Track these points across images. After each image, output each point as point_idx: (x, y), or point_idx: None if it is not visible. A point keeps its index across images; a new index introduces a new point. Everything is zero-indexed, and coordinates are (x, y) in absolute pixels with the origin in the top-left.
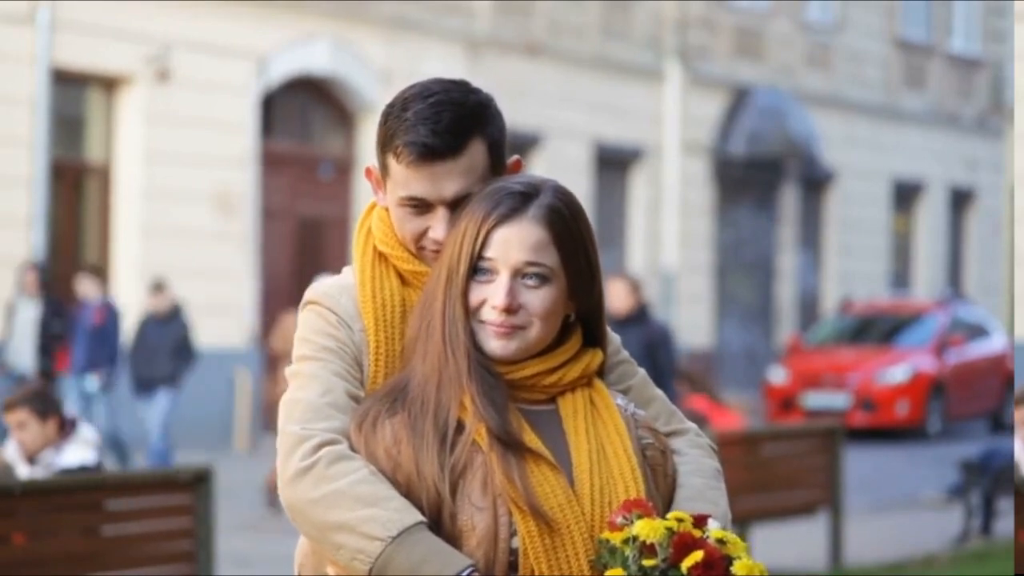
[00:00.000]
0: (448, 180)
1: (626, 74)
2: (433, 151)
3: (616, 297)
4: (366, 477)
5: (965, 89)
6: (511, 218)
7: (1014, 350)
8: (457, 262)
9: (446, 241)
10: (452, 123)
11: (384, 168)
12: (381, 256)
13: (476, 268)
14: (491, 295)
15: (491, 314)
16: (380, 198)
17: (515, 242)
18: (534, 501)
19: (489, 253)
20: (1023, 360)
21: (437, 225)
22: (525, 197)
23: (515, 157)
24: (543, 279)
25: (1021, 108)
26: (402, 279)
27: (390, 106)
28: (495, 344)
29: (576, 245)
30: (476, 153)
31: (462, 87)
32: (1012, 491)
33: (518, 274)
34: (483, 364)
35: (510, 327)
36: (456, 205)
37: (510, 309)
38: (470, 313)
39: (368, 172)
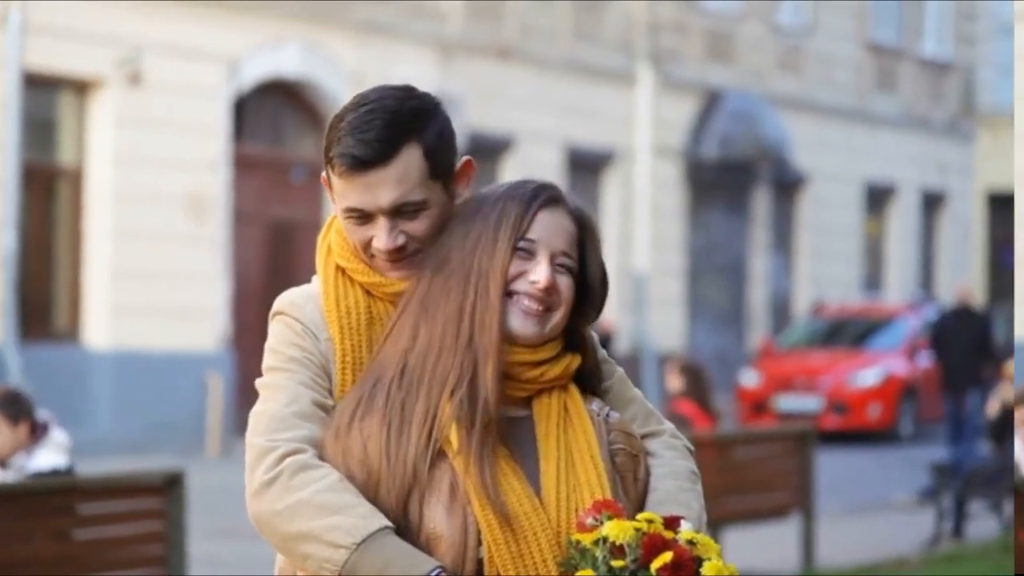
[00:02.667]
0: (382, 189)
1: (598, 77)
2: (361, 161)
3: None
4: (330, 485)
5: (936, 92)
6: (554, 204)
7: (1015, 351)
8: (496, 233)
9: (477, 213)
10: (381, 131)
11: (328, 179)
12: (343, 268)
13: (517, 245)
14: (533, 271)
15: (528, 287)
16: (335, 206)
17: (559, 229)
18: (500, 509)
19: (533, 234)
20: (1023, 360)
21: (380, 234)
22: (556, 191)
23: (466, 158)
24: (569, 270)
25: (1021, 109)
26: (366, 290)
27: (334, 116)
28: (523, 322)
29: (592, 253)
30: (410, 160)
31: (402, 93)
32: (983, 494)
33: (554, 259)
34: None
35: (547, 306)
36: (396, 213)
37: (551, 289)
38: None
39: (325, 180)
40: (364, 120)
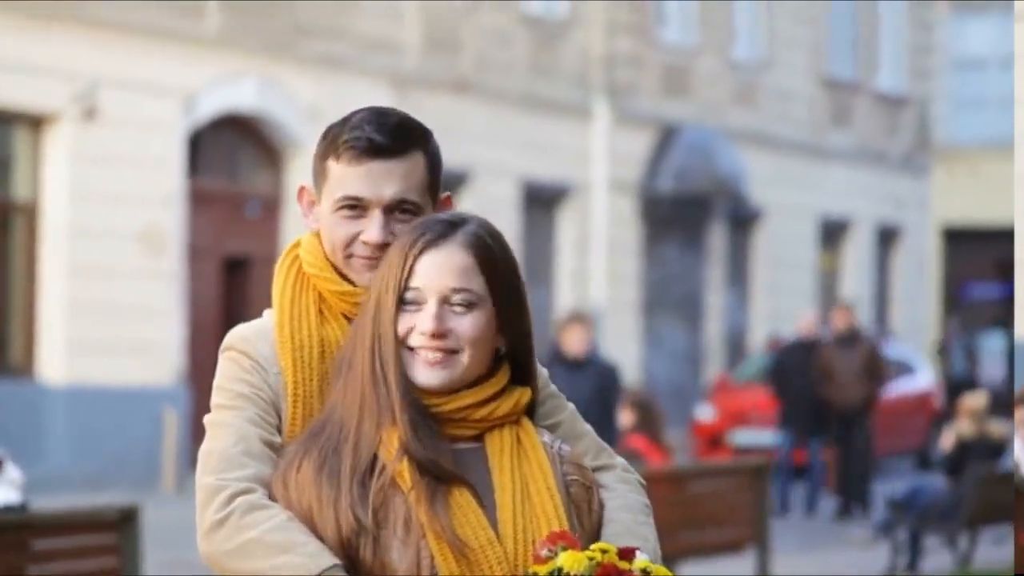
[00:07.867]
0: (388, 180)
1: (554, 111)
2: (377, 147)
3: (577, 340)
4: (280, 524)
5: (891, 127)
6: (436, 244)
7: (1015, 351)
8: (384, 292)
9: (374, 276)
10: (398, 126)
11: (323, 176)
12: (300, 294)
13: (404, 298)
14: (419, 322)
15: (419, 339)
16: (310, 222)
17: (442, 268)
18: (454, 542)
19: (415, 282)
20: (1023, 360)
21: (371, 227)
22: (451, 225)
23: (446, 193)
24: (470, 305)
25: (1021, 112)
26: (321, 315)
27: (334, 124)
28: (426, 373)
29: (502, 273)
30: (418, 163)
31: (405, 112)
32: (937, 529)
33: (445, 300)
34: (414, 395)
35: (441, 352)
36: (391, 210)
37: (438, 334)
38: (399, 342)
39: (301, 192)
40: (380, 115)
